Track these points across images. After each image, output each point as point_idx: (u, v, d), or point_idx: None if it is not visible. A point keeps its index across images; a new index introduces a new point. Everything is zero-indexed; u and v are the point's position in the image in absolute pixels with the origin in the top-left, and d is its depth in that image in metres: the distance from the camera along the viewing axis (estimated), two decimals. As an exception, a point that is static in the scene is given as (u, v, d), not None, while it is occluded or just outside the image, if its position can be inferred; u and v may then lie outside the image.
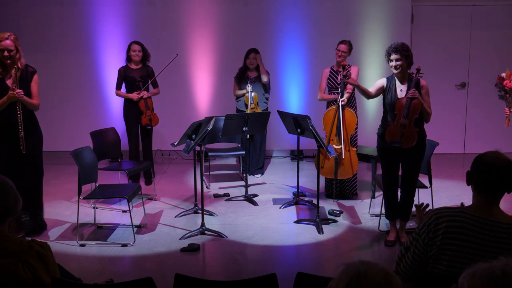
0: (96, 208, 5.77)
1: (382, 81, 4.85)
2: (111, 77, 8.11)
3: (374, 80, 7.95)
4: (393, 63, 4.66)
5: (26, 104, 4.83)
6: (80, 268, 4.35)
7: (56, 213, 5.78)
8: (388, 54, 4.68)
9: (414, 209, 5.03)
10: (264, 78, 7.02)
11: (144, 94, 6.59)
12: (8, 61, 4.74)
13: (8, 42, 4.71)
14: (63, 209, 5.91)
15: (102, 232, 5.32)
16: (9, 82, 4.80)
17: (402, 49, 4.63)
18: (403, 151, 4.75)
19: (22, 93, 4.74)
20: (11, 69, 4.78)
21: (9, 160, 4.90)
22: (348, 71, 6.02)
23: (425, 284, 2.43)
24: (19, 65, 4.81)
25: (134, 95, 6.55)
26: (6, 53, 4.70)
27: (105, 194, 5.41)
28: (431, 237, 2.39)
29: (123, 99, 6.78)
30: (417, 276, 2.49)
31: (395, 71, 4.70)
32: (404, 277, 2.55)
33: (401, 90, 4.72)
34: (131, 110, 6.64)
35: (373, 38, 8.33)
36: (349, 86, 6.00)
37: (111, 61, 8.32)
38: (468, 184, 2.48)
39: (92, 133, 6.08)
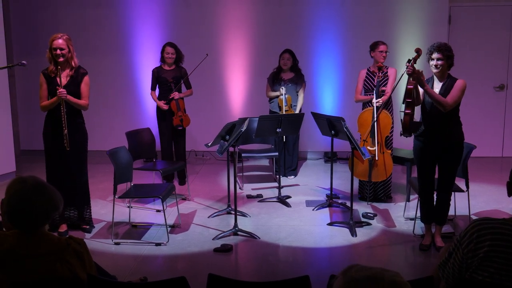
0: (131, 207, 5.84)
1: None
2: (146, 78, 8.21)
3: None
4: (433, 62, 4.59)
5: (71, 103, 5.00)
6: (115, 266, 4.41)
7: (92, 211, 5.87)
8: (430, 53, 4.61)
9: (450, 213, 4.97)
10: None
11: (175, 95, 6.64)
12: (61, 59, 4.94)
13: (60, 41, 4.94)
14: (99, 208, 6.00)
15: (136, 231, 5.39)
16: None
17: (445, 49, 4.56)
18: (440, 152, 4.68)
19: (65, 92, 4.91)
20: (66, 68, 4.99)
21: (56, 156, 5.09)
22: (385, 72, 5.97)
23: None
24: (72, 64, 5.03)
25: (162, 105, 6.62)
26: (58, 51, 4.92)
27: (140, 194, 5.47)
28: (472, 248, 2.33)
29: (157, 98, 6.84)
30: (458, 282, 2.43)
31: (434, 70, 4.63)
32: (448, 283, 2.50)
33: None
34: (163, 111, 6.70)
35: (410, 39, 8.21)
36: (387, 90, 5.92)
37: (147, 62, 8.42)
38: (509, 195, 2.41)
39: (127, 133, 6.15)
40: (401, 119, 4.72)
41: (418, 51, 4.74)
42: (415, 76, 4.54)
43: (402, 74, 4.74)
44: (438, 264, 2.55)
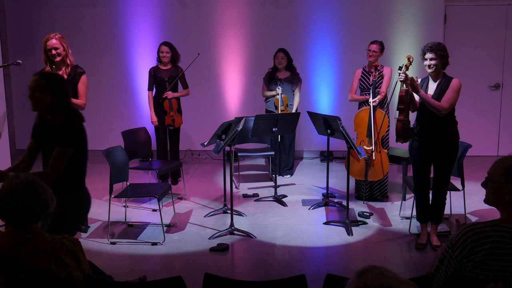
0: (127, 206, 5.83)
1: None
2: (142, 78, 8.21)
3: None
4: (427, 62, 4.61)
5: None
6: (111, 266, 4.41)
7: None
8: (423, 53, 4.62)
9: (446, 211, 4.98)
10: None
11: (169, 94, 6.64)
12: (57, 59, 4.94)
13: (54, 41, 4.94)
14: (95, 207, 5.97)
15: (132, 230, 5.38)
16: None
17: (438, 49, 4.56)
18: (435, 151, 4.69)
19: None
20: (62, 67, 4.99)
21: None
22: (381, 71, 5.98)
23: None
24: (68, 62, 5.02)
25: (154, 119, 6.67)
26: (53, 52, 4.92)
27: (136, 193, 5.47)
28: (466, 254, 2.32)
29: (152, 99, 6.83)
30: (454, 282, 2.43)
31: (428, 70, 4.64)
32: None
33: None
34: (158, 110, 6.72)
35: (405, 38, 8.23)
36: (382, 89, 5.94)
37: (142, 62, 8.42)
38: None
39: (123, 133, 6.15)
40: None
41: (409, 58, 4.78)
42: (408, 82, 4.57)
43: (396, 82, 4.76)
44: (430, 274, 2.54)
